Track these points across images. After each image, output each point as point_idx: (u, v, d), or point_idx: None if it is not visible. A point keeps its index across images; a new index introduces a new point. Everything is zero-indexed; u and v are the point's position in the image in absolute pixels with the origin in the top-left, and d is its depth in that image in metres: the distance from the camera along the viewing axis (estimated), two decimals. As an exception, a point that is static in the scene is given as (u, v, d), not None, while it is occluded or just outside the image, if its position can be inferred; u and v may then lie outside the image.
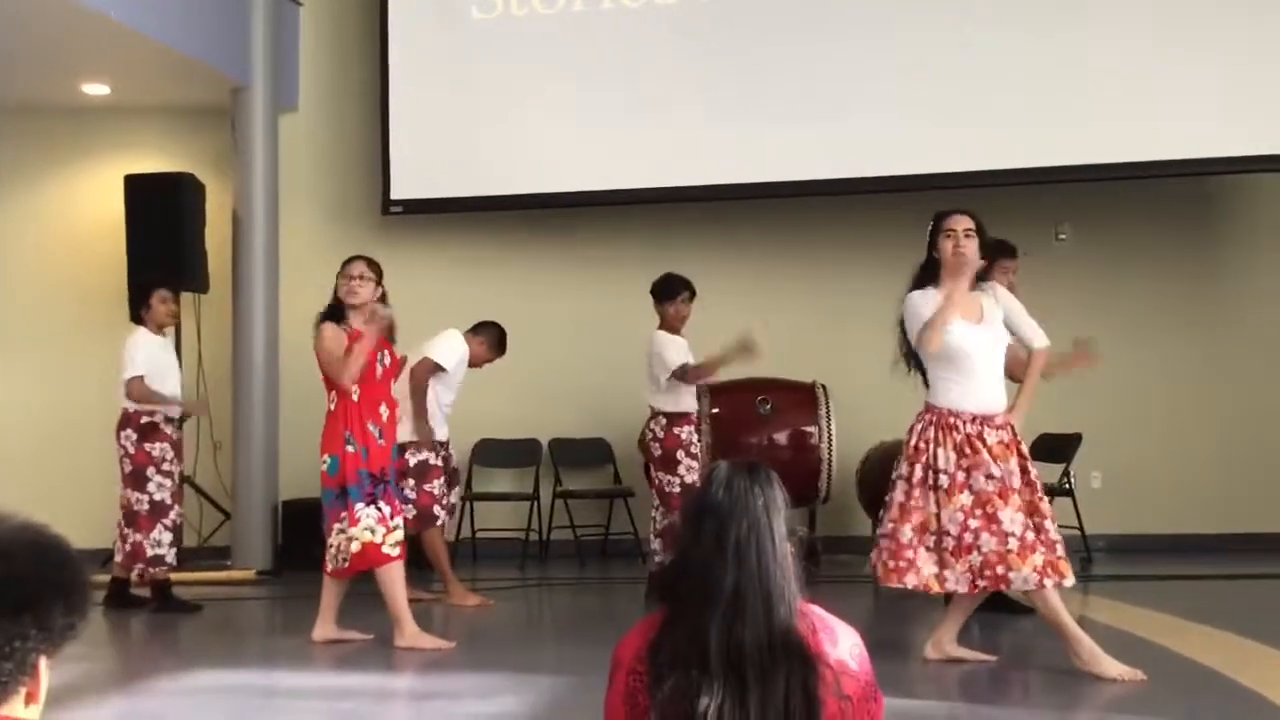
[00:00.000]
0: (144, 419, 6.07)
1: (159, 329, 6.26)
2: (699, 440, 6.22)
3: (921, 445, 4.51)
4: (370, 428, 5.18)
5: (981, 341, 4.52)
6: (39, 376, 8.25)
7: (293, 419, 7.56)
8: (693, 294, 6.21)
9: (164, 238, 7.66)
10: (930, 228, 4.66)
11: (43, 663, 1.32)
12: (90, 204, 8.49)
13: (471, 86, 8.06)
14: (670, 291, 6.18)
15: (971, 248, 4.52)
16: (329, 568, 5.16)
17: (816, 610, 1.94)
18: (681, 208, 8.08)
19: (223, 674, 4.68)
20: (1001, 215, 7.86)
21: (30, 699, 1.33)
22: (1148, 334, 8.03)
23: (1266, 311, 8.07)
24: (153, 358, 6.12)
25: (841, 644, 1.92)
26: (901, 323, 4.63)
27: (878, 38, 7.64)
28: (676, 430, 6.09)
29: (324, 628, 5.23)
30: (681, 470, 6.05)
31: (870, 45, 7.64)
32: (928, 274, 4.63)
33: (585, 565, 7.71)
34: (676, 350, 6.07)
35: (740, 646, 1.83)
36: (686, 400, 6.17)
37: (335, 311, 5.30)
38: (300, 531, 7.34)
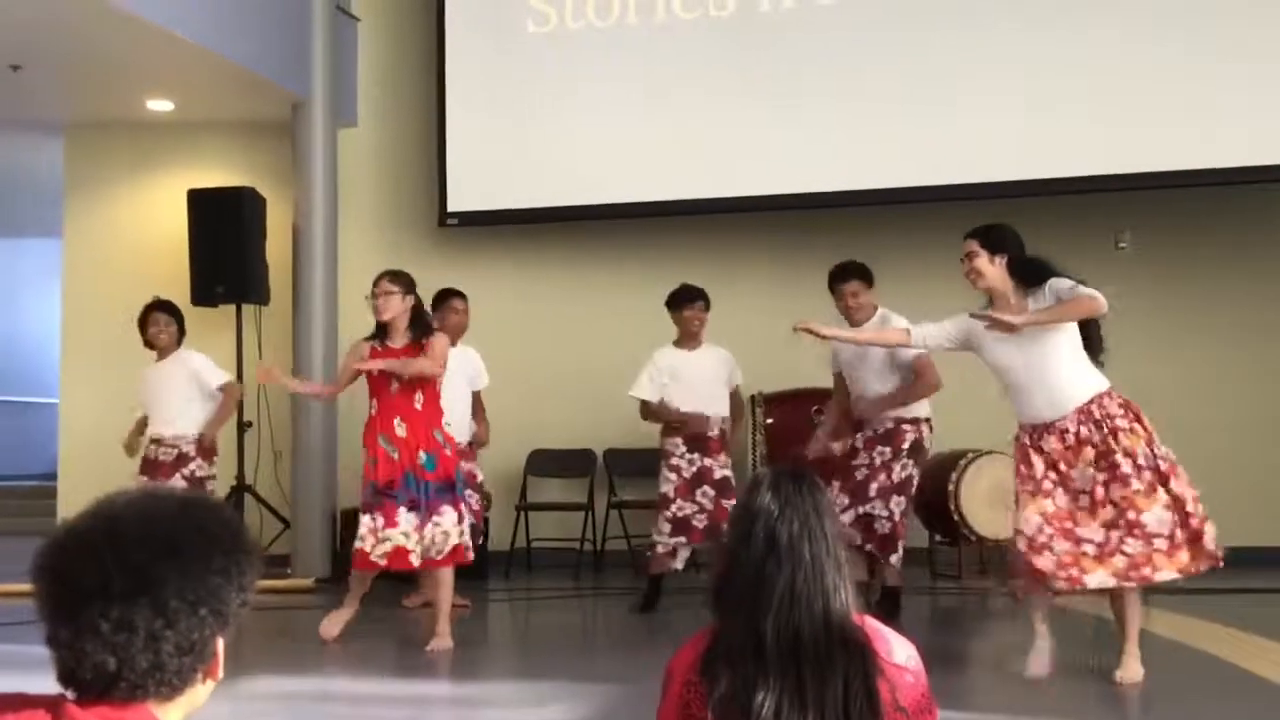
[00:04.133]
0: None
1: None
2: (683, 454, 6.22)
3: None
4: (381, 440, 5.37)
5: (1012, 355, 4.48)
6: (106, 388, 8.40)
7: (351, 428, 7.63)
8: (697, 303, 6.29)
9: (226, 250, 7.81)
10: None
11: (219, 642, 1.34)
12: (155, 218, 8.66)
13: (526, 99, 8.12)
14: (673, 302, 6.34)
15: (975, 271, 4.51)
16: None
17: (871, 621, 1.93)
18: (736, 217, 8.08)
19: (280, 680, 4.74)
20: (1061, 223, 7.81)
21: (209, 676, 1.34)
22: (1211, 344, 7.90)
23: (1332, 321, 7.91)
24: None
25: (897, 654, 1.90)
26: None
27: (930, 48, 7.59)
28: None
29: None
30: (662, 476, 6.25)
31: (923, 55, 7.59)
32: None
33: (639, 575, 7.69)
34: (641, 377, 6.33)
35: (797, 639, 1.81)
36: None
37: (379, 331, 5.45)
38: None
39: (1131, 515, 4.34)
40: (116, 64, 7.45)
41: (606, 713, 4.14)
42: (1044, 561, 4.36)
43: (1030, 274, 4.52)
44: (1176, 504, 4.37)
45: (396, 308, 5.41)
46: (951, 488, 7.01)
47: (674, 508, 6.15)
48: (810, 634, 1.81)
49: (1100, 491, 4.38)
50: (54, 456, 9.14)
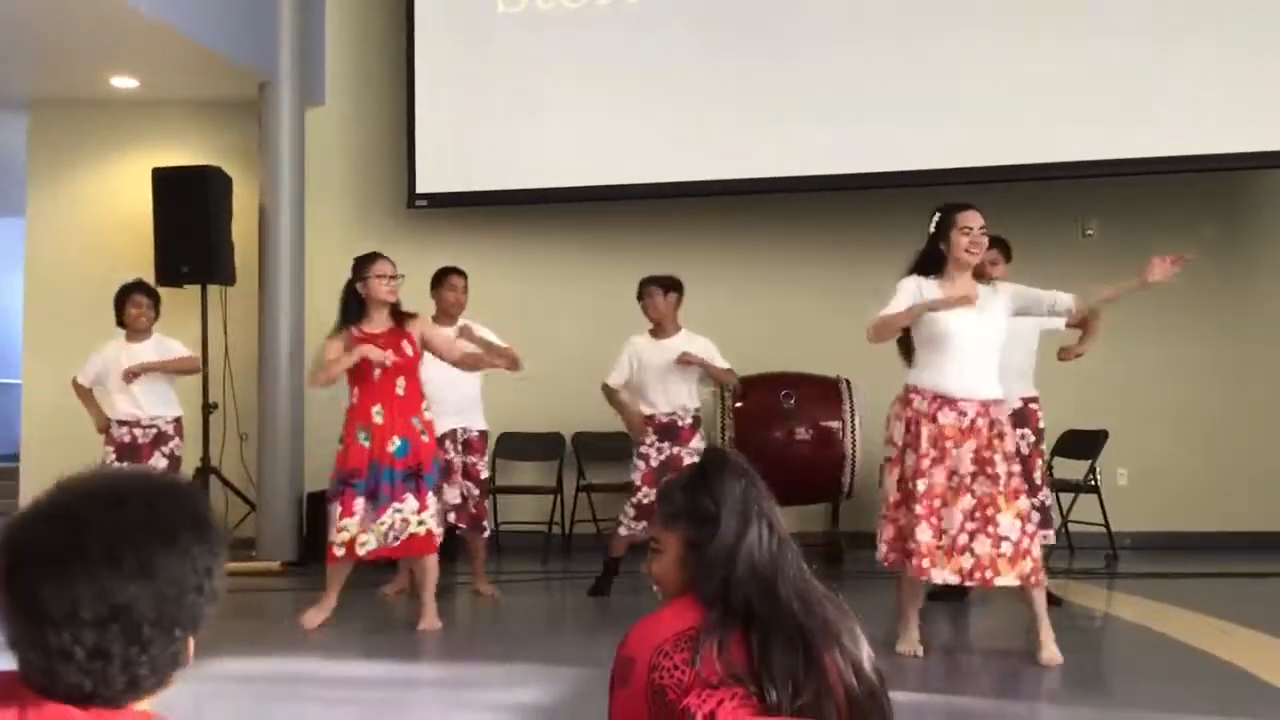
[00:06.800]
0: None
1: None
2: (653, 441, 6.23)
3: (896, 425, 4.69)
4: (358, 430, 5.34)
5: (969, 326, 4.53)
6: (69, 368, 8.28)
7: (318, 411, 7.60)
8: (663, 289, 6.28)
9: (191, 230, 7.73)
10: (938, 219, 4.68)
11: (191, 641, 1.30)
12: (119, 197, 8.56)
13: (497, 80, 8.08)
14: (638, 292, 6.35)
15: (985, 246, 4.61)
16: None
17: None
18: (705, 202, 8.08)
19: (247, 662, 4.71)
20: (1027, 211, 7.86)
21: (183, 664, 1.31)
22: (1175, 331, 7.98)
23: (1295, 308, 8.01)
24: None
25: None
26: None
27: (903, 35, 7.62)
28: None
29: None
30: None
31: (896, 42, 7.62)
32: (929, 262, 4.67)
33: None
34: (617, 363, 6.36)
35: (805, 601, 1.86)
36: (645, 404, 6.28)
37: (359, 308, 5.38)
38: (325, 523, 7.36)
39: (990, 512, 4.44)
40: (80, 41, 7.34)
41: (578, 693, 4.15)
42: (916, 540, 4.49)
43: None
44: (1024, 519, 4.49)
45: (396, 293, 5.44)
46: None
47: (639, 495, 6.18)
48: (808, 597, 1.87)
49: (968, 480, 4.49)
50: (16, 437, 9.04)
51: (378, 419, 5.33)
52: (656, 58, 7.89)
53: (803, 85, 7.71)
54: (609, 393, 6.37)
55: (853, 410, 7.26)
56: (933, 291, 4.63)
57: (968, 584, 4.57)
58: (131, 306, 6.37)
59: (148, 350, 6.39)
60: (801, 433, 7.32)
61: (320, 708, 4.27)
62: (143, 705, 1.28)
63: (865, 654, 1.82)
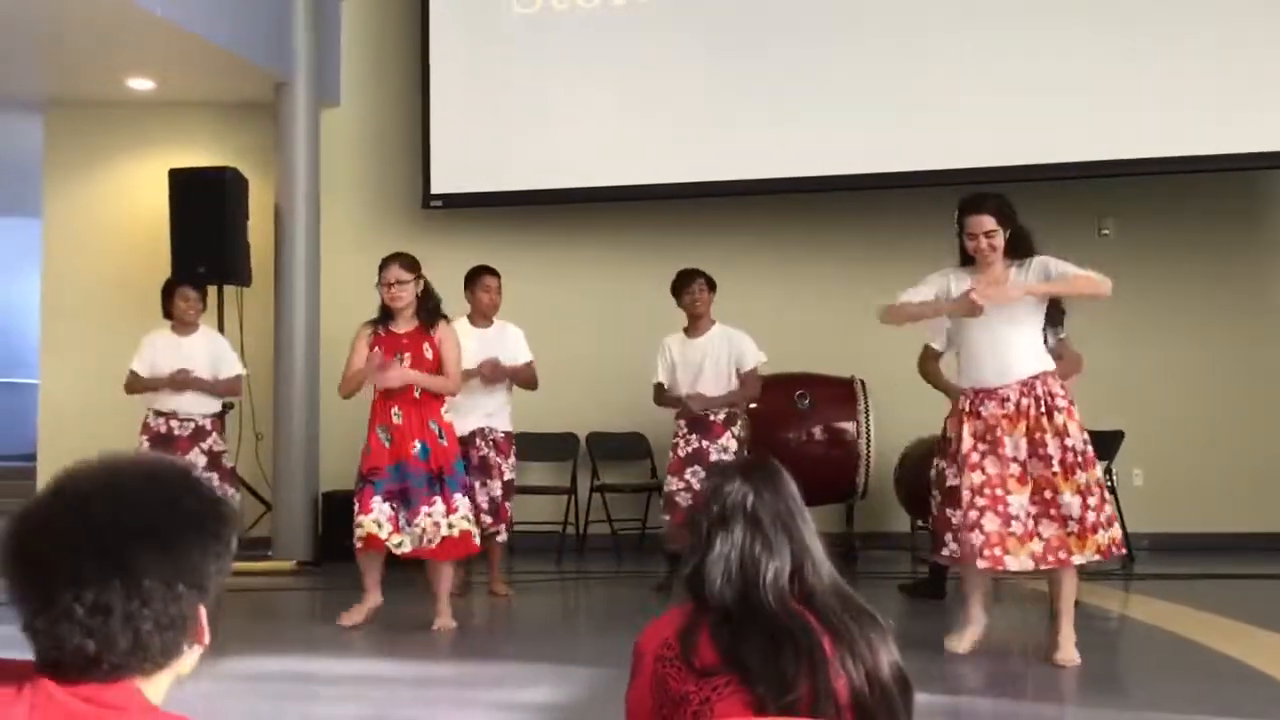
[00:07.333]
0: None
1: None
2: (684, 434, 6.26)
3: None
4: (378, 429, 5.37)
5: (984, 317, 4.47)
6: (86, 368, 8.34)
7: (333, 411, 7.61)
8: (697, 283, 6.30)
9: (208, 231, 7.74)
10: (956, 215, 4.66)
11: (202, 610, 1.31)
12: (136, 198, 8.59)
13: (512, 81, 8.08)
14: (672, 290, 6.38)
15: (992, 248, 4.52)
16: None
17: None
18: (720, 202, 8.07)
19: (263, 660, 4.73)
20: (1043, 210, 7.81)
21: (196, 642, 1.31)
22: (1192, 331, 7.94)
23: (1314, 309, 7.96)
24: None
25: None
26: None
27: (919, 33, 7.59)
28: None
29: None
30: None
31: (911, 40, 7.60)
32: (966, 258, 4.65)
33: (622, 559, 7.71)
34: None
35: (809, 601, 1.90)
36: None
37: (384, 314, 5.40)
38: (340, 522, 7.36)
39: (1049, 494, 4.40)
40: (96, 42, 7.37)
41: (592, 693, 4.15)
42: (975, 538, 4.43)
43: (1021, 246, 4.57)
44: (1086, 492, 4.42)
45: (410, 296, 5.38)
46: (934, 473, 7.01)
47: (667, 485, 6.26)
48: (821, 598, 1.91)
49: (1026, 465, 4.44)
50: (33, 436, 9.08)
51: (397, 419, 5.34)
52: (671, 57, 7.88)
53: (821, 85, 7.69)
54: (657, 392, 6.41)
55: (867, 411, 7.25)
56: (962, 283, 4.57)
57: (1042, 567, 4.47)
58: (180, 299, 6.42)
59: (197, 344, 6.44)
60: (816, 433, 7.31)
61: (336, 707, 4.28)
62: (156, 686, 1.29)
63: (886, 661, 1.84)
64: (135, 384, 6.40)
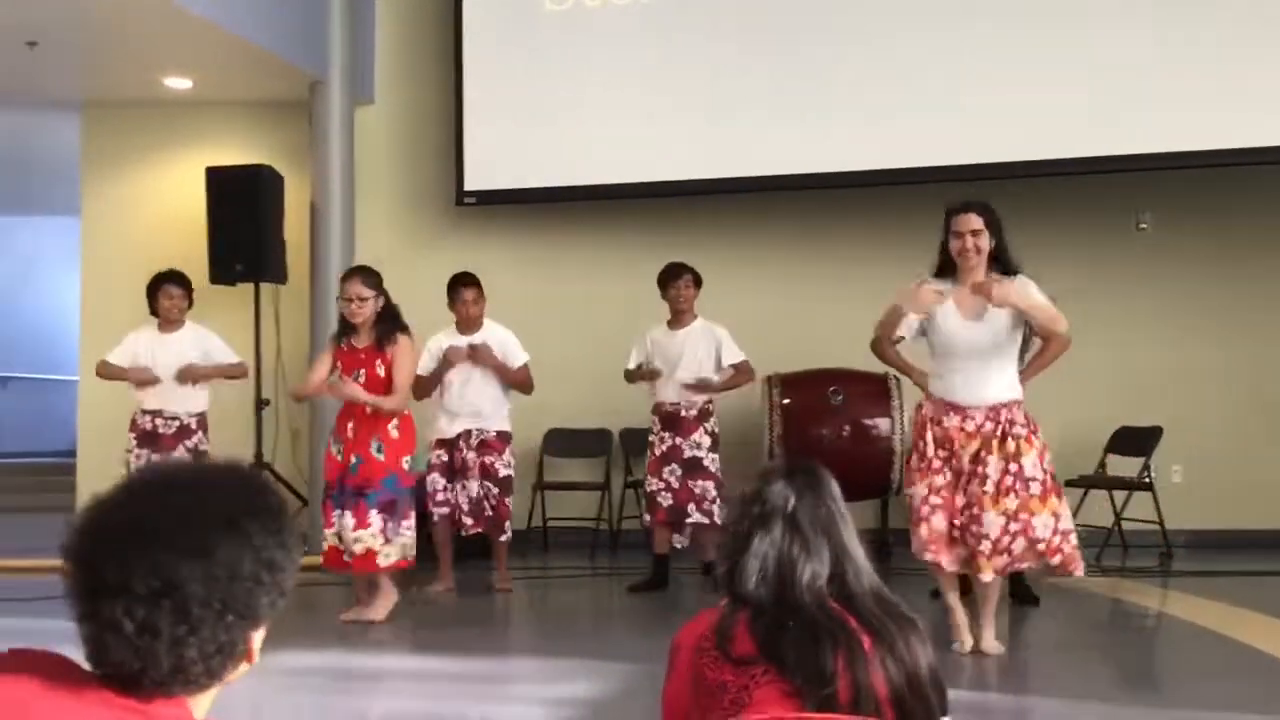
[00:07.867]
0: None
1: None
2: (658, 431, 6.37)
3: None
4: (333, 442, 5.52)
5: (971, 339, 4.47)
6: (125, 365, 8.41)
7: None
8: (683, 279, 6.40)
9: (244, 229, 7.81)
10: (943, 220, 4.63)
11: (255, 635, 1.29)
12: (173, 196, 8.67)
13: (544, 78, 8.09)
14: (659, 282, 6.49)
15: (977, 249, 4.48)
16: None
17: None
18: (756, 197, 8.05)
19: (302, 655, 4.76)
20: (1081, 204, 7.77)
21: (245, 660, 1.30)
22: (1231, 327, 7.85)
23: (1356, 303, 7.85)
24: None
25: None
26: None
27: (948, 28, 7.53)
28: None
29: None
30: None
31: (939, 35, 7.53)
32: (944, 263, 4.62)
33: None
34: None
35: (850, 602, 1.92)
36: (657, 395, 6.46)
37: (344, 328, 5.55)
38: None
39: (975, 511, 4.47)
40: (133, 42, 7.45)
41: (626, 689, 4.16)
42: (923, 530, 4.54)
43: (1007, 262, 4.58)
44: (1012, 517, 4.46)
45: (369, 312, 5.44)
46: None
47: (647, 484, 6.35)
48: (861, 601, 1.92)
49: (964, 480, 4.53)
50: (73, 433, 9.18)
51: (350, 433, 5.45)
52: (705, 54, 7.86)
53: (850, 79, 7.65)
54: (628, 373, 6.53)
55: (901, 407, 7.21)
56: (945, 300, 4.56)
57: (964, 572, 4.65)
58: (164, 297, 6.41)
59: (184, 341, 6.42)
60: (849, 429, 7.27)
61: (380, 701, 4.31)
62: (200, 703, 1.28)
63: (924, 663, 1.85)
64: (103, 370, 6.51)
